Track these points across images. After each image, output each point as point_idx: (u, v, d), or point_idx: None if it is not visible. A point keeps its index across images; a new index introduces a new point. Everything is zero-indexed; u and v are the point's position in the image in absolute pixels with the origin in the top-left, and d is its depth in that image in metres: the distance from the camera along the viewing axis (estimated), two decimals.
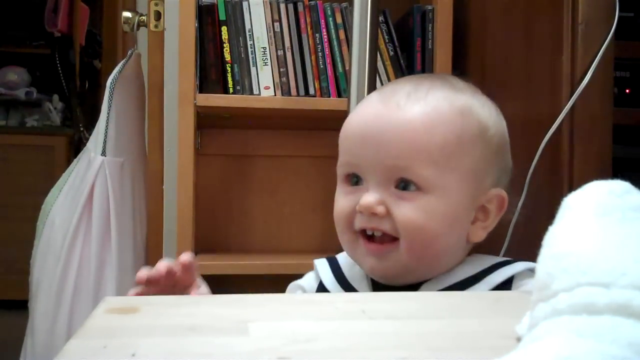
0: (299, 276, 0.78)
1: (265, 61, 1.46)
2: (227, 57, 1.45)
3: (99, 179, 1.37)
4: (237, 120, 1.62)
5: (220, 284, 1.51)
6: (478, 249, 0.72)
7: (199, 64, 1.44)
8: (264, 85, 1.46)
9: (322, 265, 0.75)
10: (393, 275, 0.66)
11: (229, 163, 1.69)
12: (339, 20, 1.49)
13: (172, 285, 0.64)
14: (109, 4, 2.60)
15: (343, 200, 0.67)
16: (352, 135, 0.67)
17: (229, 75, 1.45)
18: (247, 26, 1.46)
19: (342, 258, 0.74)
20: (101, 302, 0.47)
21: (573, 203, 0.37)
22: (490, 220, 0.68)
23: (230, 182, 1.69)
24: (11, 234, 2.66)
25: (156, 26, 1.46)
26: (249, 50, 1.46)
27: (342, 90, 1.48)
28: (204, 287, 0.67)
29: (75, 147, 2.73)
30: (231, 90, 1.45)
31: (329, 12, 1.49)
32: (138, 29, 1.47)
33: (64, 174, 1.48)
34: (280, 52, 1.47)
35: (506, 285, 0.65)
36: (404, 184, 0.64)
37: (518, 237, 1.10)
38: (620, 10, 1.03)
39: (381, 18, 1.49)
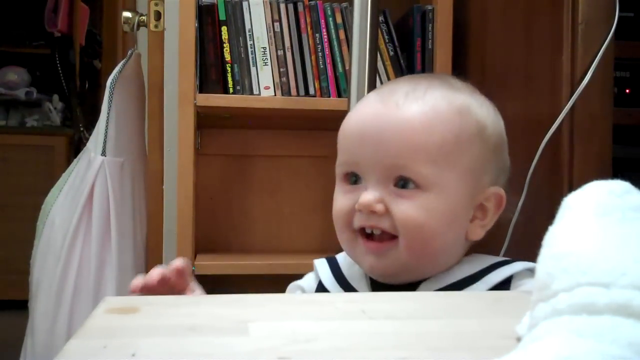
0: (299, 276, 0.78)
1: (265, 61, 1.46)
2: (227, 57, 1.45)
3: (99, 179, 1.37)
4: (237, 120, 1.62)
5: (220, 284, 1.52)
6: (478, 248, 0.72)
7: (199, 64, 1.44)
8: (264, 85, 1.46)
9: (321, 265, 0.75)
10: (392, 273, 0.67)
11: (229, 163, 1.69)
12: (339, 20, 1.49)
13: (167, 290, 0.64)
14: (109, 4, 2.60)
15: (342, 199, 0.67)
16: (350, 134, 0.67)
17: (229, 75, 1.45)
18: (247, 26, 1.46)
19: (342, 258, 0.74)
20: (101, 302, 0.47)
21: (573, 203, 0.37)
22: (488, 218, 0.68)
23: (230, 182, 1.69)
24: (11, 234, 2.67)
25: (156, 26, 1.46)
26: (249, 50, 1.46)
27: (342, 90, 1.48)
28: (198, 291, 0.67)
29: (75, 147, 2.73)
30: (231, 90, 1.45)
31: (329, 12, 1.49)
32: (138, 29, 1.47)
33: (64, 174, 1.48)
34: (280, 52, 1.47)
35: (504, 285, 0.65)
36: (402, 182, 0.64)
37: (518, 237, 1.10)
38: (620, 10, 1.03)
39: (381, 18, 1.49)
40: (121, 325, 0.42)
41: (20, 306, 1.67)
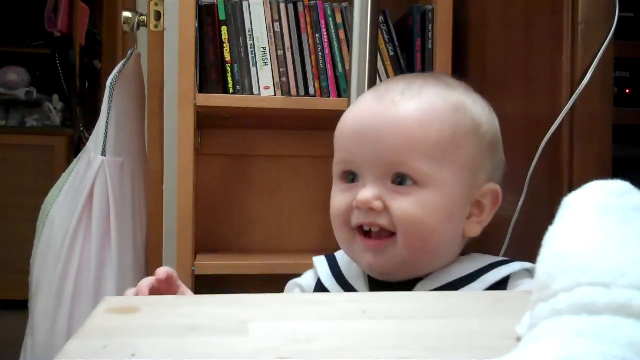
0: (299, 276, 0.78)
1: (265, 61, 1.46)
2: (227, 57, 1.45)
3: (99, 179, 1.37)
4: (237, 120, 1.62)
5: (220, 284, 1.52)
6: (478, 248, 0.72)
7: (199, 64, 1.44)
8: (264, 85, 1.46)
9: (320, 262, 0.75)
10: (391, 270, 0.67)
11: (229, 163, 1.69)
12: (339, 20, 1.49)
13: None
14: (109, 4, 2.60)
15: (340, 198, 0.68)
16: (347, 132, 0.68)
17: (229, 75, 1.45)
18: (247, 26, 1.46)
19: (341, 255, 0.74)
20: (101, 302, 0.47)
21: (573, 203, 0.37)
22: (485, 215, 0.68)
23: (230, 182, 1.69)
24: (11, 234, 2.66)
25: (156, 26, 1.46)
26: (249, 50, 1.46)
27: (342, 90, 1.48)
28: (188, 294, 0.67)
29: (75, 147, 2.73)
30: (231, 90, 1.45)
31: (329, 12, 1.49)
32: (138, 29, 1.47)
33: (64, 174, 1.47)
34: (280, 52, 1.47)
35: (502, 285, 0.66)
36: (400, 179, 0.64)
37: (518, 237, 1.10)
38: (620, 10, 1.03)
39: (381, 18, 1.49)
40: (121, 325, 0.42)
41: (20, 306, 1.67)
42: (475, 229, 0.68)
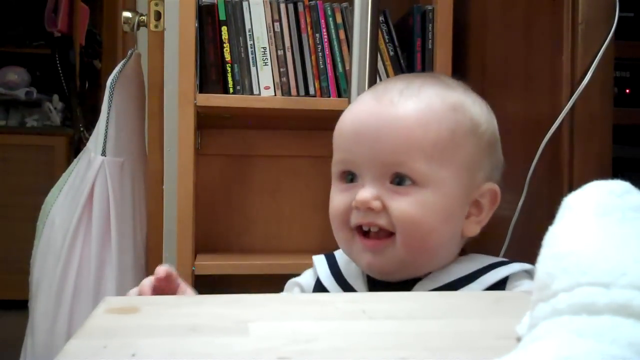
0: (299, 275, 0.78)
1: (265, 61, 1.46)
2: (227, 57, 1.45)
3: (99, 179, 1.37)
4: (237, 120, 1.62)
5: (220, 284, 1.52)
6: (478, 247, 0.72)
7: (199, 64, 1.44)
8: (264, 85, 1.46)
9: (319, 261, 0.75)
10: (390, 270, 0.67)
11: (229, 163, 1.69)
12: (339, 20, 1.49)
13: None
14: (109, 4, 2.60)
15: (338, 198, 0.68)
16: (346, 132, 0.68)
17: (229, 75, 1.45)
18: (247, 26, 1.46)
19: (340, 255, 0.74)
20: (101, 302, 0.47)
21: (573, 203, 0.37)
22: (483, 214, 0.69)
23: (230, 182, 1.69)
24: (11, 234, 2.66)
25: (156, 26, 1.46)
26: (249, 50, 1.46)
27: (342, 90, 1.48)
28: (189, 290, 0.67)
29: (75, 147, 2.73)
30: (231, 90, 1.45)
31: (329, 12, 1.49)
32: (138, 29, 1.47)
33: (64, 174, 1.47)
34: (280, 52, 1.47)
35: (500, 285, 0.66)
36: (399, 179, 0.65)
37: (518, 237, 1.10)
38: (620, 10, 1.03)
39: (381, 18, 1.49)
40: (121, 325, 0.42)
41: (20, 306, 1.67)
42: (473, 229, 0.68)
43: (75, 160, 1.48)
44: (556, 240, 0.36)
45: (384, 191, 0.65)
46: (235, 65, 1.45)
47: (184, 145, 1.40)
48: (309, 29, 1.49)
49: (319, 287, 0.73)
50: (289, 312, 0.47)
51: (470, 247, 0.72)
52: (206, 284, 1.36)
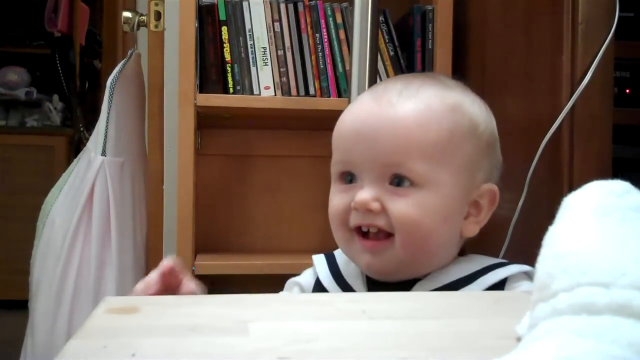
0: (299, 275, 0.78)
1: (265, 61, 1.46)
2: (227, 57, 1.45)
3: (99, 179, 1.37)
4: (237, 120, 1.62)
5: (220, 284, 1.52)
6: (478, 248, 0.72)
7: (199, 64, 1.44)
8: (264, 85, 1.46)
9: (319, 261, 0.75)
10: (389, 271, 0.67)
11: (229, 163, 1.69)
12: (339, 20, 1.49)
13: (163, 290, 0.64)
14: (109, 4, 2.60)
15: (338, 198, 0.68)
16: (345, 133, 0.68)
17: (229, 75, 1.45)
18: (247, 26, 1.46)
19: (339, 254, 0.74)
20: (101, 302, 0.47)
21: (573, 203, 0.37)
22: (482, 215, 0.69)
23: (230, 182, 1.69)
24: (11, 234, 2.67)
25: (156, 26, 1.46)
26: (249, 50, 1.46)
27: (342, 90, 1.48)
28: (192, 285, 0.67)
29: (75, 147, 2.73)
30: (231, 90, 1.45)
31: (329, 12, 1.49)
32: (138, 29, 1.47)
33: (64, 174, 1.48)
34: (280, 52, 1.47)
35: (499, 287, 0.66)
36: (398, 180, 0.64)
37: (518, 237, 1.10)
38: (620, 10, 1.03)
39: (381, 18, 1.49)
40: (121, 325, 0.42)
41: (20, 306, 1.67)
42: (472, 229, 0.68)
43: (75, 160, 1.48)
44: (556, 240, 0.35)
45: (383, 192, 0.65)
46: (235, 65, 1.45)
47: (184, 145, 1.40)
48: (309, 29, 1.49)
49: (319, 287, 0.73)
50: (289, 312, 0.47)
51: (470, 247, 0.72)
52: (206, 284, 1.36)
